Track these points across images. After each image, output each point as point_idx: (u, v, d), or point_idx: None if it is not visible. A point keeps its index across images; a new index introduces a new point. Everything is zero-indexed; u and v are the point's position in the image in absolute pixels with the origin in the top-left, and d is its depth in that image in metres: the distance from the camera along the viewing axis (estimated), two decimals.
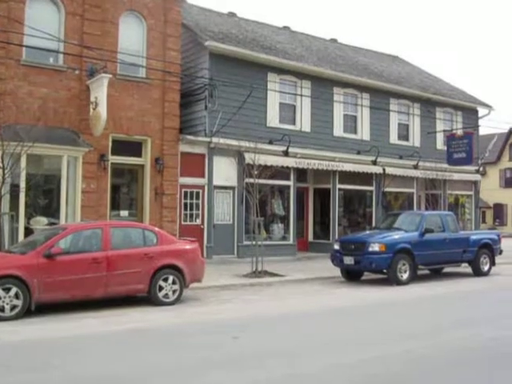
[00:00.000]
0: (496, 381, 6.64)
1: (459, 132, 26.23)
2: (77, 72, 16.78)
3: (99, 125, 16.12)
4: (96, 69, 16.53)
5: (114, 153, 17.57)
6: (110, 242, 11.31)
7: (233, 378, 6.61)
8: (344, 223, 24.53)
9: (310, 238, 24.31)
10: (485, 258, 17.68)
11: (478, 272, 17.46)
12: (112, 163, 17.55)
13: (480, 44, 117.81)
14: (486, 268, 17.66)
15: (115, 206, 18.03)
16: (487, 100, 33.09)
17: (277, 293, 13.74)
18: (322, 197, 24.14)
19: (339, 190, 23.72)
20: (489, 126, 58.54)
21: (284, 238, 22.23)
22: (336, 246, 16.37)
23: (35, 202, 16.30)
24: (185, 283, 12.07)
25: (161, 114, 18.43)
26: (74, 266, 10.79)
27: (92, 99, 16.35)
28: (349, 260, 15.59)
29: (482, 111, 29.64)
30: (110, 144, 17.47)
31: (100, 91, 15.97)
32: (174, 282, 11.84)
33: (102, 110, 15.90)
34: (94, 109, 16.24)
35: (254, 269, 16.09)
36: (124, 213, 18.05)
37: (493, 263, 17.95)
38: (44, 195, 16.72)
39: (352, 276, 16.32)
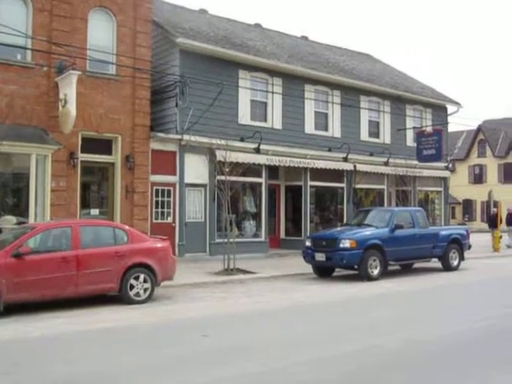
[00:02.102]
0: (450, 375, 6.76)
1: (429, 129, 26.52)
2: (45, 69, 16.53)
3: (68, 122, 15.92)
4: (65, 65, 16.29)
5: (83, 151, 17.36)
6: (79, 240, 11.20)
7: (201, 375, 6.59)
8: (316, 220, 24.63)
9: (282, 234, 24.37)
10: (454, 253, 17.94)
11: (447, 267, 17.71)
12: (82, 161, 17.35)
13: (449, 43, 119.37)
14: (455, 263, 17.93)
15: (85, 204, 17.85)
16: (456, 97, 33.45)
17: (248, 290, 13.75)
18: (294, 194, 24.23)
19: (311, 186, 23.82)
20: (458, 123, 59.23)
21: (256, 235, 22.26)
22: (307, 243, 16.46)
23: (4, 201, 16.08)
24: (156, 281, 12.01)
25: (131, 112, 18.28)
26: (44, 265, 10.67)
27: (61, 96, 16.13)
28: (320, 256, 15.69)
29: (450, 108, 30.06)
30: (80, 142, 17.25)
31: (69, 88, 15.77)
32: (145, 281, 11.77)
33: (71, 107, 15.71)
34: (62, 106, 16.03)
35: (225, 266, 16.08)
36: (94, 211, 17.88)
37: (462, 258, 18.25)
38: (13, 194, 16.49)
39: (323, 272, 16.40)
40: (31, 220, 15.41)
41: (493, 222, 26.33)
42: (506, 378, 6.56)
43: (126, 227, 12.68)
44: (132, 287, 11.61)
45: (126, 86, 18.20)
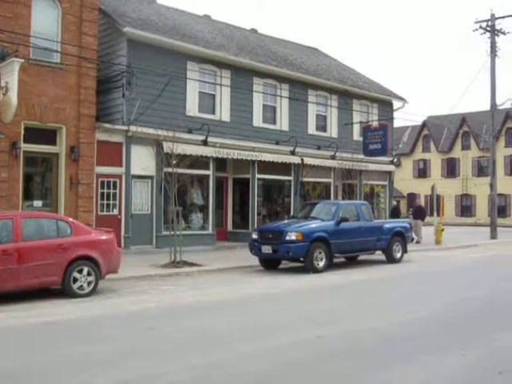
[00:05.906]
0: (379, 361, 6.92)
1: (375, 124, 26.94)
2: None
3: (9, 111, 15.46)
4: (7, 53, 15.83)
5: (26, 141, 16.93)
6: (21, 233, 10.93)
7: (144, 368, 6.53)
8: (263, 212, 24.75)
9: (230, 227, 24.38)
10: (397, 245, 18.34)
11: (391, 259, 18.08)
12: (25, 151, 16.92)
13: (397, 41, 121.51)
14: (398, 255, 18.33)
15: (28, 195, 17.43)
16: (402, 93, 34.18)
17: (195, 283, 13.73)
18: (242, 186, 24.26)
19: (258, 179, 23.90)
20: (403, 118, 60.59)
21: (203, 228, 22.21)
22: (254, 236, 16.52)
23: None
24: (100, 274, 11.85)
25: (76, 101, 17.91)
26: None
27: (2, 84, 15.63)
28: (267, 249, 15.77)
29: (396, 104, 30.64)
30: (23, 131, 16.82)
31: (11, 76, 15.30)
32: (89, 274, 11.59)
33: (13, 95, 15.25)
34: (4, 94, 15.55)
35: (172, 259, 15.98)
36: (38, 203, 17.47)
37: (405, 250, 18.67)
38: None
39: (270, 265, 16.51)
40: None
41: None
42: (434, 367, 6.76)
43: (70, 219, 12.45)
44: (75, 280, 11.42)
45: (71, 75, 17.81)
